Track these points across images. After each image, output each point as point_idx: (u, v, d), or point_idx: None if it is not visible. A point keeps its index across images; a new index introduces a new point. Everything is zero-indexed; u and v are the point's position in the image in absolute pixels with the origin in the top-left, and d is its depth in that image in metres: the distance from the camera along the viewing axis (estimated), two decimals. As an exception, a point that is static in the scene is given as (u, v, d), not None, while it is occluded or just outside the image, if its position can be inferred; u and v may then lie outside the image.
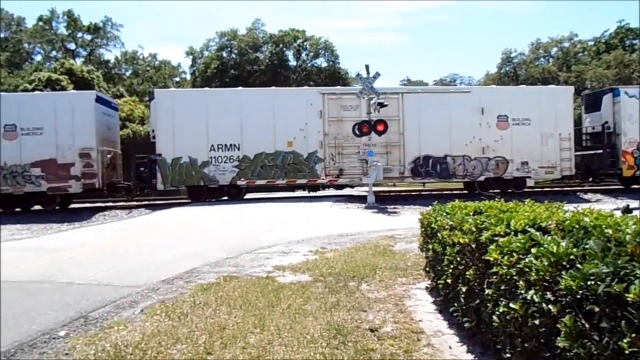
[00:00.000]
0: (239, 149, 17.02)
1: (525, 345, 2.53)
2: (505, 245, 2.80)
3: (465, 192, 18.54)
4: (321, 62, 46.90)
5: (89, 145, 16.36)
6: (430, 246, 4.86)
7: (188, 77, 50.66)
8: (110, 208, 16.82)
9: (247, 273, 6.28)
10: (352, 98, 16.83)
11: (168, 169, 16.74)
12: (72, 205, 18.04)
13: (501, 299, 2.79)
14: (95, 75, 37.33)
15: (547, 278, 2.30)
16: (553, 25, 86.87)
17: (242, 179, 17.00)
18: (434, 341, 3.77)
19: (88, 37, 48.99)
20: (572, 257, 2.25)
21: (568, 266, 2.22)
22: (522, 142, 17.56)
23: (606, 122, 18.60)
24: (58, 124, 16.18)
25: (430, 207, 5.33)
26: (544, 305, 2.27)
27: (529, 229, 2.81)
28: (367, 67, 15.45)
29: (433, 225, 4.73)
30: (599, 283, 1.96)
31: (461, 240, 3.61)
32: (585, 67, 42.32)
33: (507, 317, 2.67)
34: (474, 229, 3.46)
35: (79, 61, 45.04)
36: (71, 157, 16.27)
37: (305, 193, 19.25)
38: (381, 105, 15.25)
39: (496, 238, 3.02)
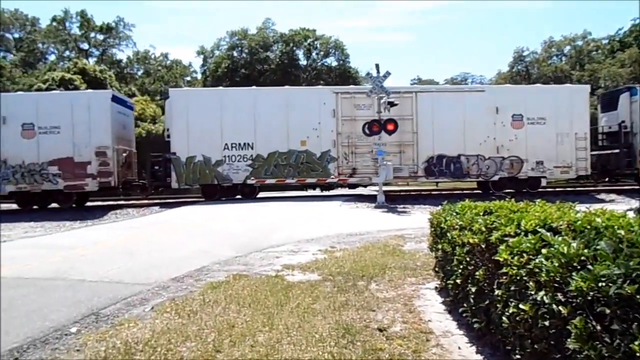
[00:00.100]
0: (252, 148, 17.09)
1: (535, 346, 2.51)
2: (515, 246, 2.78)
3: (476, 191, 18.39)
4: (331, 61, 46.97)
5: (105, 144, 16.55)
6: (439, 246, 4.83)
7: (199, 76, 51.03)
8: (123, 206, 16.99)
9: (257, 272, 6.30)
10: (365, 97, 16.79)
11: (182, 167, 16.87)
12: (86, 204, 18.26)
13: (511, 299, 2.77)
14: (108, 74, 37.76)
15: (558, 279, 2.27)
16: (566, 23, 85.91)
17: (252, 178, 17.08)
18: (443, 341, 3.74)
19: (101, 37, 49.60)
20: (583, 258, 2.22)
21: (579, 267, 2.19)
22: (537, 142, 17.37)
23: (623, 122, 18.32)
24: (75, 122, 16.39)
25: (440, 207, 5.30)
26: (554, 306, 2.25)
27: (539, 230, 2.78)
28: (377, 66, 15.44)
29: (443, 225, 4.70)
30: (610, 284, 1.93)
31: (471, 241, 3.59)
32: (598, 65, 41.76)
33: (517, 318, 2.64)
34: (483, 229, 3.44)
35: (91, 61, 45.58)
36: (88, 155, 16.47)
37: (317, 192, 19.27)
38: (391, 104, 15.20)
39: (506, 238, 3.00)
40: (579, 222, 2.64)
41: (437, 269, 5.21)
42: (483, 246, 3.37)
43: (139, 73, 52.22)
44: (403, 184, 20.43)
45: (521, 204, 3.88)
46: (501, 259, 2.87)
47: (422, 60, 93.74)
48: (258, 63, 44.20)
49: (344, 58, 46.13)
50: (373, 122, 15.38)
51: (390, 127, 15.19)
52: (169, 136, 17.17)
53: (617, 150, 18.47)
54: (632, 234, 2.19)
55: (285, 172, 17.17)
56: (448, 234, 4.38)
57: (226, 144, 17.00)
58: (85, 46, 49.33)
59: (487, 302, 3.31)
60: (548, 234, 2.62)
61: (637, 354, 1.76)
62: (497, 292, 3.02)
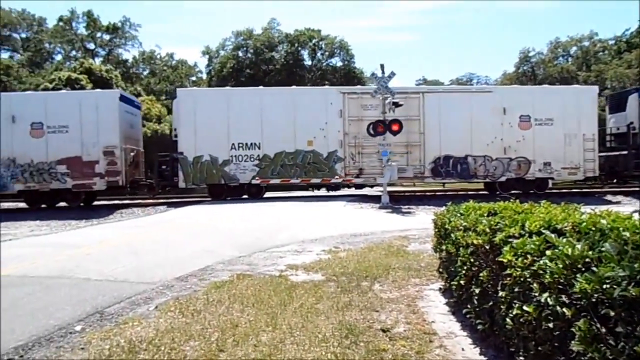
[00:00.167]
0: (259, 148, 17.12)
1: (539, 348, 2.49)
2: (519, 247, 2.76)
3: (482, 192, 18.33)
4: (336, 61, 46.96)
5: (112, 143, 16.65)
6: (443, 247, 4.82)
7: (204, 76, 51.16)
8: (129, 206, 17.06)
9: (260, 271, 6.31)
10: (372, 97, 16.81)
11: (189, 167, 16.93)
12: (94, 203, 18.37)
13: (515, 301, 2.75)
14: (114, 74, 37.94)
15: (562, 281, 2.26)
16: (572, 24, 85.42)
17: (257, 178, 17.10)
18: (447, 343, 3.73)
19: (107, 37, 49.83)
20: (587, 260, 2.21)
21: (583, 269, 2.18)
22: (544, 143, 17.30)
23: (631, 123, 18.20)
24: (83, 122, 16.51)
25: (444, 208, 5.28)
26: (558, 308, 2.24)
27: (543, 231, 2.76)
28: (382, 66, 15.42)
29: (447, 226, 4.68)
30: (614, 287, 1.92)
31: (475, 242, 3.57)
32: (605, 66, 41.50)
33: (521, 320, 2.63)
34: (488, 230, 3.42)
35: (97, 61, 45.85)
36: (96, 154, 16.59)
37: (323, 192, 19.27)
38: (396, 105, 15.18)
39: (510, 239, 2.98)
40: (584, 224, 2.62)
41: (441, 269, 5.19)
42: (487, 247, 3.35)
43: (145, 73, 52.44)
44: (409, 184, 20.39)
45: (525, 205, 3.86)
46: (505, 260, 2.85)
47: (427, 60, 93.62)
48: (263, 63, 44.27)
49: (349, 58, 46.11)
50: (378, 122, 15.36)
51: (395, 127, 15.17)
52: (176, 136, 17.23)
53: (625, 152, 18.34)
54: (638, 236, 2.17)
55: (292, 172, 17.19)
56: (452, 235, 4.37)
57: (233, 144, 17.04)
58: (91, 46, 49.61)
59: (491, 303, 3.29)
60: (552, 235, 2.60)
61: (642, 357, 1.75)
62: (501, 293, 3.00)
